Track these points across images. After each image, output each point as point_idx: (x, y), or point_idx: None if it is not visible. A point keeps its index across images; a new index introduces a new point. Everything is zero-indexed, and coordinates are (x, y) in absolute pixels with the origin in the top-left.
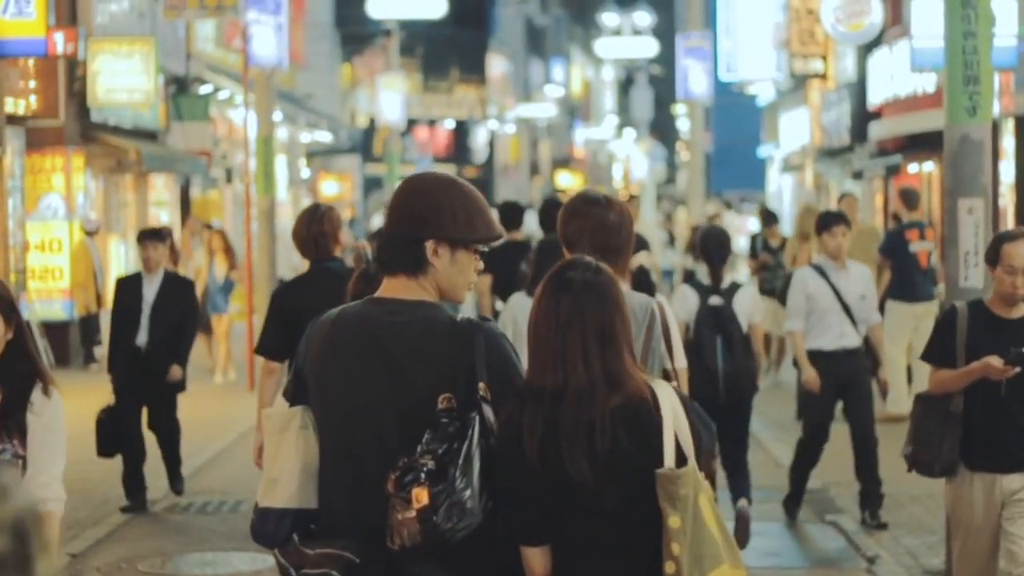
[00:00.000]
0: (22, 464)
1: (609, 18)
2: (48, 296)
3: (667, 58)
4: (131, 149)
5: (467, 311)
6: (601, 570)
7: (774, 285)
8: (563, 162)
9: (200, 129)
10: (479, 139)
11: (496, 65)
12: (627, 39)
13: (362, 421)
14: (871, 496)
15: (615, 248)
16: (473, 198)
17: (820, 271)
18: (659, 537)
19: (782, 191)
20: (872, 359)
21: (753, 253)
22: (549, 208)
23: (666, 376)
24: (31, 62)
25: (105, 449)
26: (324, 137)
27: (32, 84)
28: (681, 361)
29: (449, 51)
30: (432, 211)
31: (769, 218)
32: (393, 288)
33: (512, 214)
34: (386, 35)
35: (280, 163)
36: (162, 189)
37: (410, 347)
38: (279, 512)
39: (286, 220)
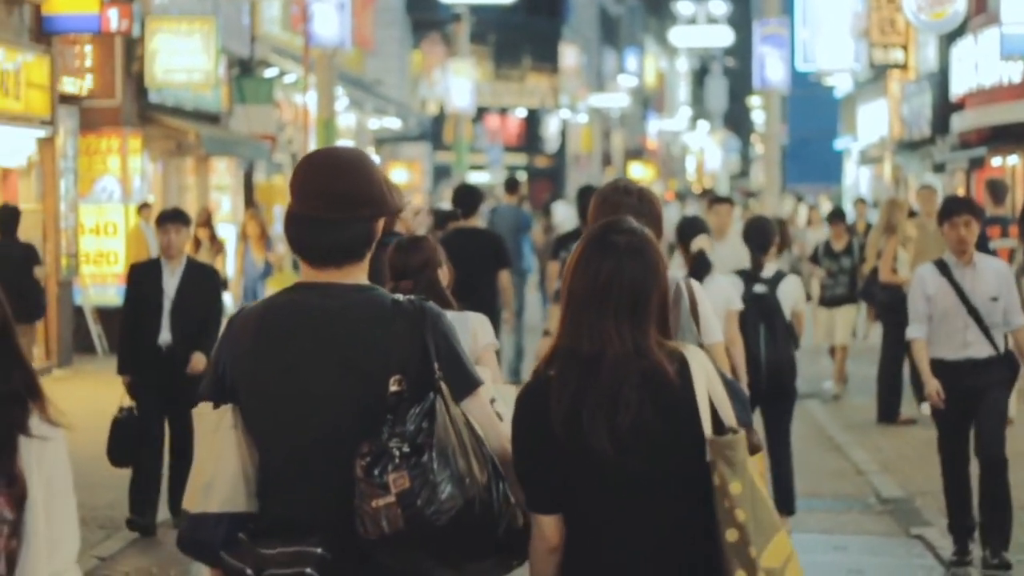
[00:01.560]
0: (8, 532)
1: (684, 6)
2: (103, 281)
3: (741, 50)
4: (190, 131)
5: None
6: (623, 542)
7: (835, 293)
8: (636, 153)
9: (264, 112)
10: (551, 129)
11: (569, 54)
12: (702, 28)
13: (311, 412)
14: (995, 530)
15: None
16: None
17: (942, 268)
18: (684, 510)
19: (859, 184)
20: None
21: (815, 258)
22: (586, 197)
23: None
24: (88, 42)
25: (119, 456)
26: (393, 124)
27: (88, 63)
28: (712, 337)
29: (521, 39)
30: (377, 190)
31: (832, 216)
32: (330, 274)
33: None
34: (456, 20)
35: None
36: (224, 173)
37: (356, 332)
38: (215, 517)
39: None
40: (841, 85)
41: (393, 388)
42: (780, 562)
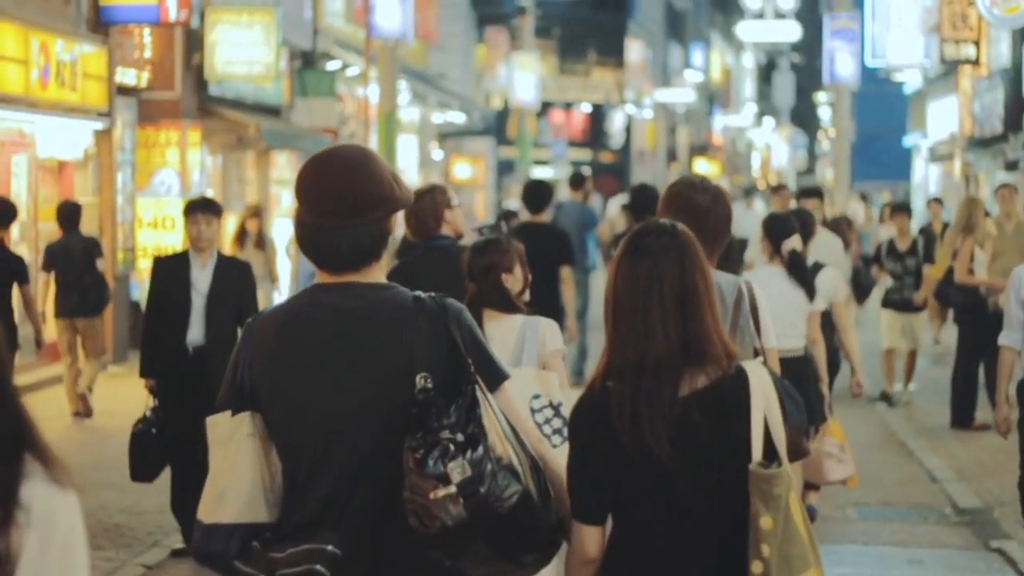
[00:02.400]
0: None
1: (751, 0)
2: None
3: (808, 45)
4: (251, 124)
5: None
6: (673, 556)
7: (901, 296)
8: (701, 149)
9: (326, 106)
10: (616, 124)
11: (634, 48)
12: (770, 22)
13: (337, 414)
14: None
15: (707, 230)
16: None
17: None
18: (735, 527)
19: (928, 182)
20: None
21: (877, 259)
22: (639, 194)
23: (755, 355)
24: (147, 32)
25: (142, 472)
26: (457, 118)
27: (148, 55)
28: (770, 341)
29: (586, 33)
30: (387, 188)
31: (896, 210)
32: (344, 277)
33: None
34: (521, 13)
35: (411, 144)
36: (284, 167)
37: (380, 330)
38: (229, 528)
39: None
40: (910, 81)
41: (420, 385)
42: None
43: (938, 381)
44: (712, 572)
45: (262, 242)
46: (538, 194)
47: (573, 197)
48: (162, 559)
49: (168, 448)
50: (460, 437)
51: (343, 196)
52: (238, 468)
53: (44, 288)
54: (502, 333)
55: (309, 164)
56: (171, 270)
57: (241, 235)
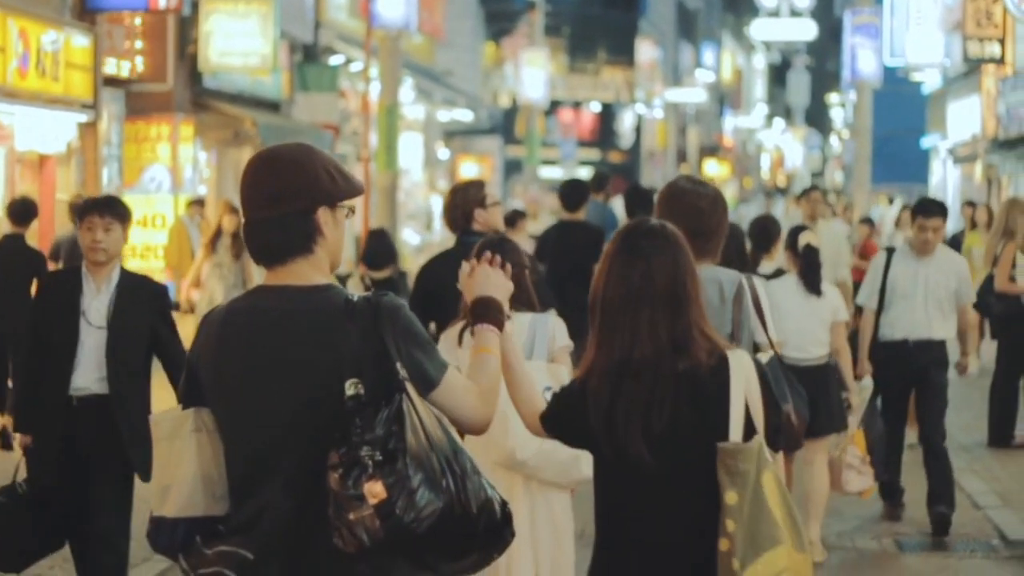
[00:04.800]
0: None
1: None
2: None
3: (819, 48)
4: (246, 119)
5: None
6: (655, 542)
7: None
8: (711, 150)
9: (327, 101)
10: (625, 123)
11: (645, 47)
12: (785, 21)
13: (265, 418)
14: None
15: (706, 231)
16: (329, 156)
17: None
18: (705, 509)
19: (946, 185)
20: None
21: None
22: (633, 195)
23: (757, 349)
24: (138, 21)
25: (5, 558)
26: (463, 116)
27: (139, 45)
28: (774, 334)
29: (597, 32)
30: (311, 178)
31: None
32: (284, 275)
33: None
34: (530, 8)
35: (416, 142)
36: None
37: (308, 336)
38: (172, 521)
39: (418, 202)
40: (929, 81)
41: (350, 392)
42: None
43: (969, 396)
44: (689, 561)
45: (238, 246)
46: (575, 192)
47: (594, 198)
48: None
49: (47, 527)
50: (379, 456)
51: (261, 189)
52: (181, 464)
53: None
54: (513, 329)
55: (248, 161)
56: (55, 292)
57: (217, 236)
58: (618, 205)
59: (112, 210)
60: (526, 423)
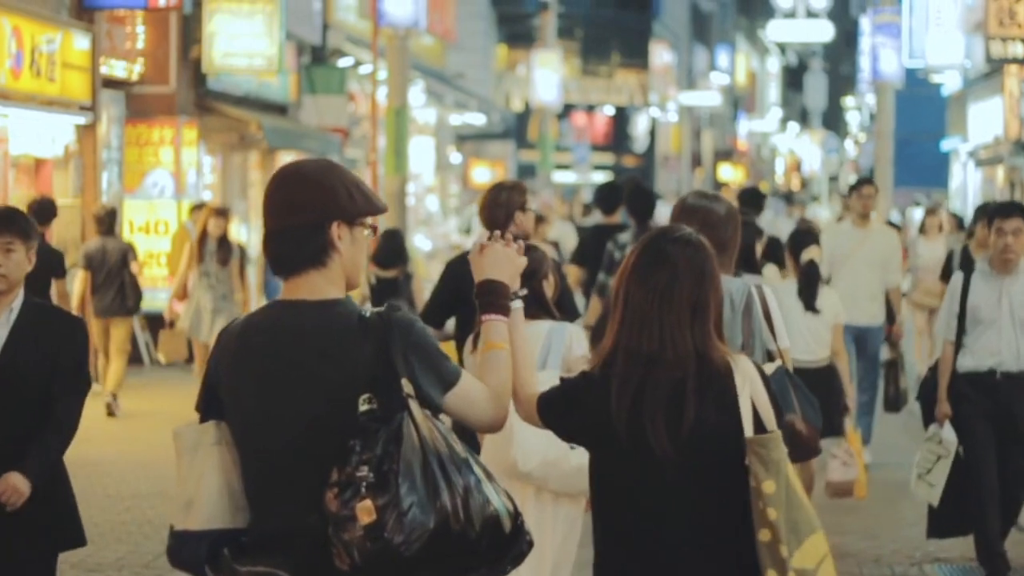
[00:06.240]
0: None
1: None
2: (152, 284)
3: (833, 51)
4: (251, 122)
5: None
6: (671, 538)
7: None
8: (726, 154)
9: (335, 104)
10: (639, 127)
11: (659, 50)
12: (802, 22)
13: (280, 433)
14: None
15: (722, 242)
16: (352, 174)
17: None
18: (731, 509)
19: (967, 188)
20: None
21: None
22: (636, 196)
23: (770, 357)
24: (140, 22)
25: None
26: (476, 120)
27: (140, 45)
28: (784, 342)
29: (610, 34)
30: (326, 193)
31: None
32: (297, 288)
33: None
34: (543, 9)
35: (427, 146)
36: None
37: (320, 351)
38: (197, 535)
39: (430, 208)
40: (949, 82)
41: (363, 408)
42: (813, 563)
43: None
44: (702, 556)
45: (226, 252)
46: (611, 195)
47: None
48: None
49: None
50: (372, 476)
51: (278, 200)
52: (204, 477)
53: (81, 286)
54: (528, 337)
55: (273, 175)
56: None
57: (202, 242)
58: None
59: (14, 226)
60: (520, 407)
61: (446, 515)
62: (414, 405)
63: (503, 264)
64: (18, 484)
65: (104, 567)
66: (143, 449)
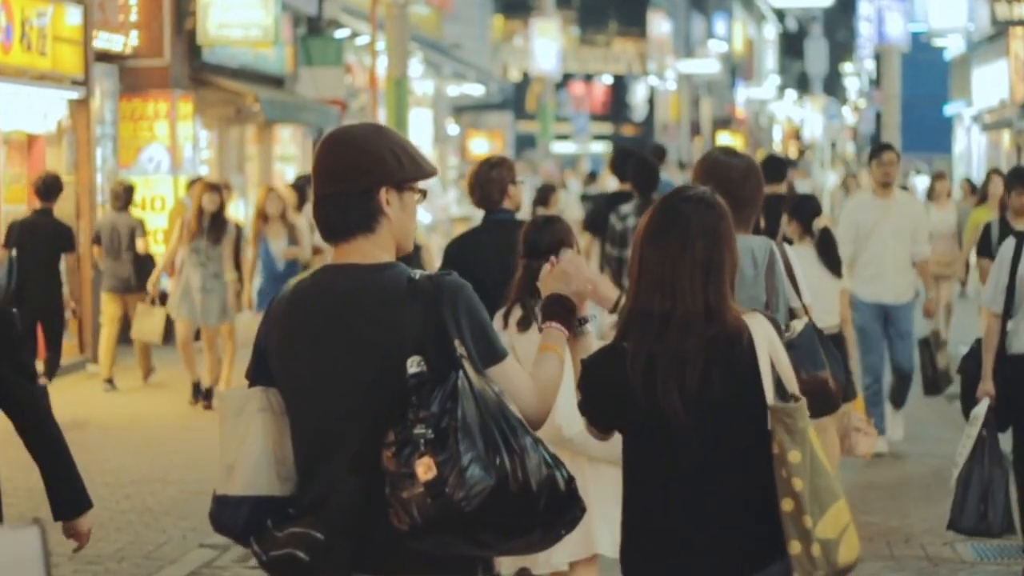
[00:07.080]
0: None
1: None
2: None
3: (830, 18)
4: (248, 94)
5: None
6: (686, 505)
7: None
8: (724, 122)
9: (333, 76)
10: (638, 96)
11: (657, 19)
12: None
13: (330, 396)
14: None
15: (742, 200)
16: (403, 138)
17: None
18: (747, 471)
19: (971, 153)
20: None
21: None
22: (626, 161)
23: (793, 314)
24: None
25: None
26: (473, 91)
27: (134, 18)
28: (807, 298)
29: (607, 3)
30: (374, 158)
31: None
32: (347, 253)
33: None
34: None
35: (425, 118)
36: (288, 142)
37: (370, 314)
38: (236, 500)
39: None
40: (952, 46)
41: (412, 369)
42: (836, 533)
43: None
44: (721, 522)
45: (219, 229)
46: (626, 162)
47: None
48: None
49: None
50: (431, 433)
51: (326, 166)
52: (246, 442)
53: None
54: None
55: (322, 139)
56: None
57: (199, 217)
58: (673, 172)
59: None
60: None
61: (505, 474)
62: (468, 365)
63: (567, 279)
64: (86, 525)
65: (103, 559)
66: (143, 431)
